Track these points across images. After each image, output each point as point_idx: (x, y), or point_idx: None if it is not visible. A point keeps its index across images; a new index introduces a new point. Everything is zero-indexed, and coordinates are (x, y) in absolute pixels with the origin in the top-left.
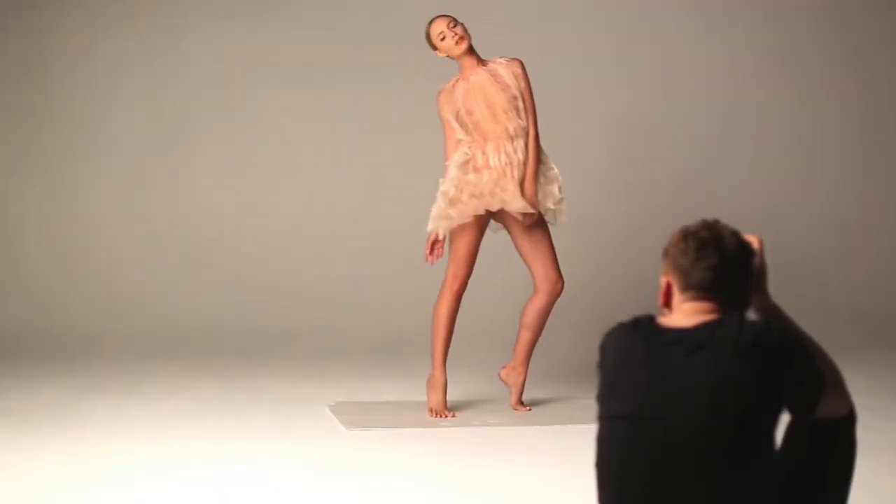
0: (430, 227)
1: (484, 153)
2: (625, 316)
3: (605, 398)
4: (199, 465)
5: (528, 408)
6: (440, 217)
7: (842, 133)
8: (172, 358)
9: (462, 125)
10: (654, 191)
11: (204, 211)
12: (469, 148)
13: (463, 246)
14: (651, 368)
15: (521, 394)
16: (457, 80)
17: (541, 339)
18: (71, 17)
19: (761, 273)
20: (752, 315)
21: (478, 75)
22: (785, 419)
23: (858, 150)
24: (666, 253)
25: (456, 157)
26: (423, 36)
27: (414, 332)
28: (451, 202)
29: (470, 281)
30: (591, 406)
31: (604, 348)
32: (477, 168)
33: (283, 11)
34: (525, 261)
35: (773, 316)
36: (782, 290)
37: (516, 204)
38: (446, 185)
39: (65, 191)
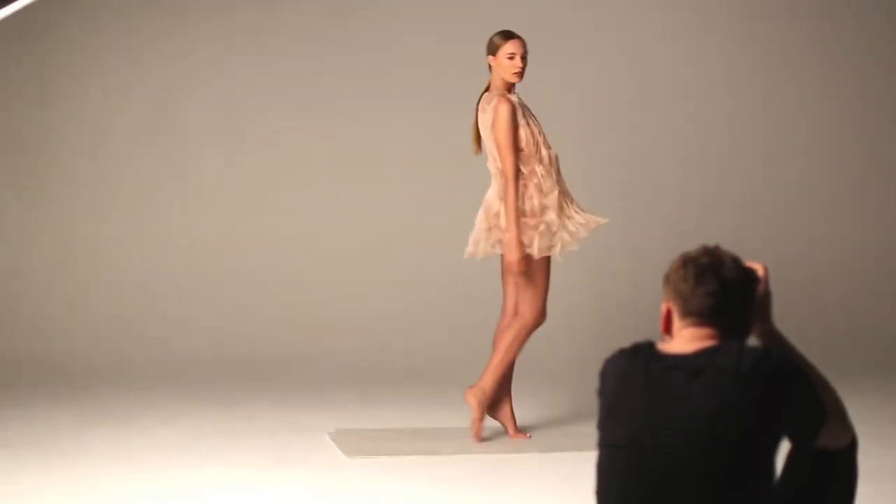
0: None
1: (557, 178)
2: (626, 342)
3: (605, 424)
4: (201, 494)
5: (527, 435)
6: (555, 244)
7: (842, 156)
8: (173, 386)
9: (537, 145)
10: (654, 217)
11: (204, 238)
12: (544, 172)
13: (547, 276)
14: (651, 394)
15: (515, 422)
16: (511, 100)
17: (542, 366)
18: (71, 42)
19: (765, 301)
20: (754, 342)
21: (518, 98)
22: (786, 446)
23: (859, 170)
24: (667, 279)
25: (532, 178)
26: (425, 59)
27: (414, 360)
28: (563, 226)
29: (468, 311)
30: (591, 433)
31: (604, 374)
32: (564, 192)
33: (285, 34)
34: (511, 288)
35: (777, 344)
36: (781, 314)
37: (592, 224)
38: (552, 214)
39: (64, 220)
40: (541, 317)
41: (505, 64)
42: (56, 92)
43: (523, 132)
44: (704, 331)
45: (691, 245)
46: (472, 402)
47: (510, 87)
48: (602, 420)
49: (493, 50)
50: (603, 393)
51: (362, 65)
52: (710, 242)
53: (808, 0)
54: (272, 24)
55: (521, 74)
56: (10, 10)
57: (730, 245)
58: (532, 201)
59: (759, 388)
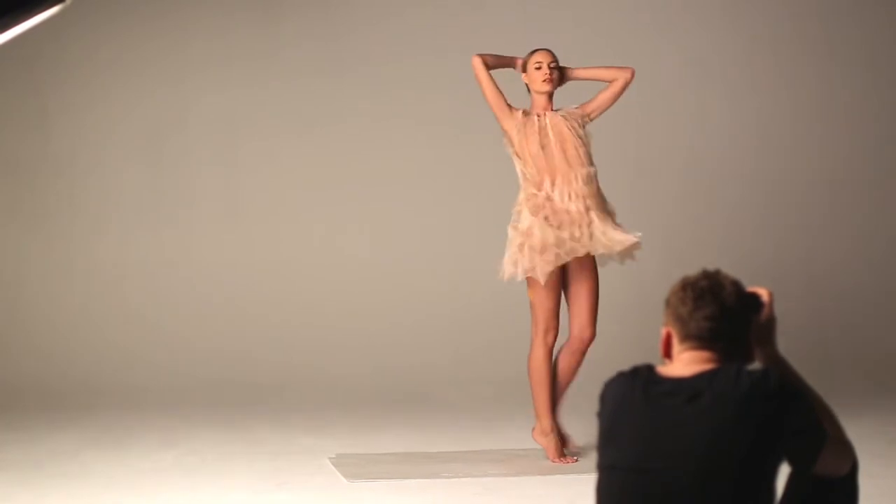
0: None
1: (561, 193)
2: (625, 365)
3: (603, 447)
4: None
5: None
6: (534, 265)
7: (841, 173)
8: (172, 410)
9: (534, 158)
10: (655, 241)
11: (203, 262)
12: (541, 188)
13: (555, 295)
14: (649, 418)
15: (560, 446)
16: (530, 114)
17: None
18: (68, 62)
19: (769, 325)
20: (757, 366)
21: (552, 117)
22: (786, 469)
23: (858, 190)
24: (667, 303)
25: (524, 197)
26: (427, 77)
27: (416, 383)
28: (543, 249)
29: (471, 334)
30: (592, 456)
31: (603, 397)
32: (555, 209)
33: (284, 54)
34: (562, 307)
35: (780, 368)
36: (780, 335)
37: (601, 247)
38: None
39: (63, 243)
40: (543, 336)
41: (534, 75)
42: (53, 113)
43: (529, 152)
44: (704, 354)
45: (692, 265)
46: (542, 441)
47: (548, 104)
48: (601, 442)
49: (524, 67)
50: (602, 415)
51: (363, 84)
52: (710, 259)
53: (807, 5)
54: (271, 43)
55: (550, 81)
56: (9, 35)
57: (728, 259)
58: (522, 221)
59: (757, 411)
